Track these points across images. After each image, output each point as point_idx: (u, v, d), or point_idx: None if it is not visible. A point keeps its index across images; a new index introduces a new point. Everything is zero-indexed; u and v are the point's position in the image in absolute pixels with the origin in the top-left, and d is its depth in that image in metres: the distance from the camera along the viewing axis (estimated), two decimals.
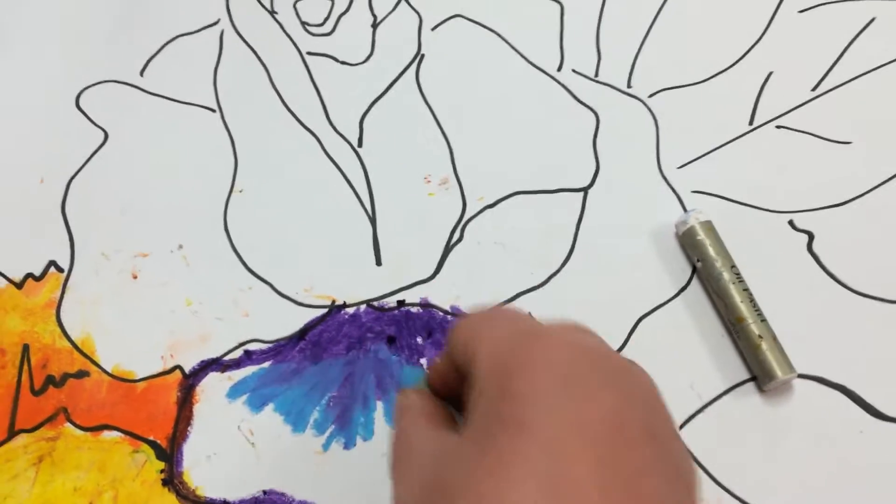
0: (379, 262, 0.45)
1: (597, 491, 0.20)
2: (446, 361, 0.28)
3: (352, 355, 0.43)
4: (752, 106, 0.48)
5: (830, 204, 0.45)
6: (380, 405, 0.42)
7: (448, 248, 0.45)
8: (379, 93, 0.51)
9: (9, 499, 0.40)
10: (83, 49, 0.54)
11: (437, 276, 0.45)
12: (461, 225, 0.46)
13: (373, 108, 0.50)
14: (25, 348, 0.44)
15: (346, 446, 0.41)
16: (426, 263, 0.45)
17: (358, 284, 0.45)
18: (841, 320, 0.42)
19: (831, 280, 0.43)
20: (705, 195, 0.46)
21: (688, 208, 0.45)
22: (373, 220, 0.47)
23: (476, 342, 0.25)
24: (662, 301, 0.43)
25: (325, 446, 0.41)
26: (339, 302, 0.44)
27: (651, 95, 0.49)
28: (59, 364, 0.44)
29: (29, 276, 0.46)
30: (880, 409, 0.40)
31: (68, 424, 0.42)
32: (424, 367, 0.42)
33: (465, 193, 0.47)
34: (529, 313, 0.27)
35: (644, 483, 0.21)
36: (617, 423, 0.22)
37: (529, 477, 0.20)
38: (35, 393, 0.43)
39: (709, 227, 0.43)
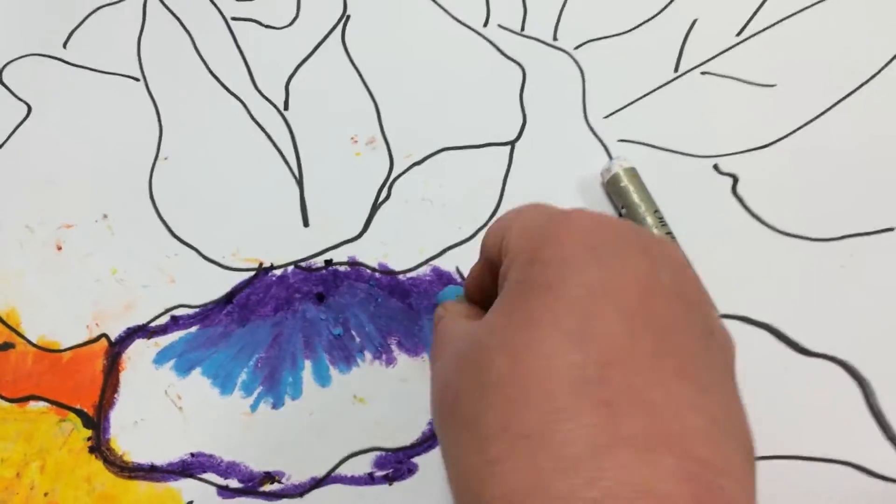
0: (306, 224, 0.45)
1: (626, 339, 0.20)
2: (481, 263, 0.28)
3: (279, 316, 0.43)
4: (677, 53, 0.48)
5: (755, 146, 0.45)
6: (308, 364, 0.41)
7: (375, 207, 0.45)
8: (304, 55, 0.50)
9: None
10: (6, 23, 0.53)
11: (365, 234, 0.45)
12: (388, 183, 0.46)
13: (299, 71, 0.50)
14: None
15: (275, 406, 0.41)
16: (354, 223, 0.45)
17: (285, 246, 0.45)
18: (765, 260, 0.42)
19: (755, 221, 0.43)
20: (631, 143, 0.46)
21: (613, 156, 0.45)
22: (300, 183, 0.46)
23: (507, 230, 0.25)
24: None
25: (253, 407, 0.41)
26: (266, 264, 0.44)
27: (577, 47, 0.49)
28: None
29: None
30: (805, 346, 0.40)
31: None
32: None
33: (393, 152, 0.47)
34: None
35: (674, 336, 0.21)
36: (645, 284, 0.22)
37: (558, 331, 0.20)
38: None
39: (632, 173, 0.43)
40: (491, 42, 0.50)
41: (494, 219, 0.27)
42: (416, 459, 0.39)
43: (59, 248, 0.45)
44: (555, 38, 0.49)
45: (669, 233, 0.41)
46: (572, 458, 0.19)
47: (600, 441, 0.19)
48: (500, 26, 0.50)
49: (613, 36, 0.49)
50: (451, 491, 0.22)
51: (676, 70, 0.47)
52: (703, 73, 0.47)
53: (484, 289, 0.28)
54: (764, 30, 0.48)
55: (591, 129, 0.46)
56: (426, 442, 0.39)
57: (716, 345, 0.23)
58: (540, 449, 0.19)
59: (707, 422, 0.20)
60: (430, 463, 0.39)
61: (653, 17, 0.49)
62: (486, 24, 0.50)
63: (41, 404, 0.42)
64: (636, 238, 0.24)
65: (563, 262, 0.22)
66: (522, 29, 0.50)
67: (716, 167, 0.44)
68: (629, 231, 0.24)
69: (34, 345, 0.43)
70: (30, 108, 0.50)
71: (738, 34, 0.48)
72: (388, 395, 0.40)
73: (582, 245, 0.22)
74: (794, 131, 0.45)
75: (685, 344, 0.21)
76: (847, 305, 0.41)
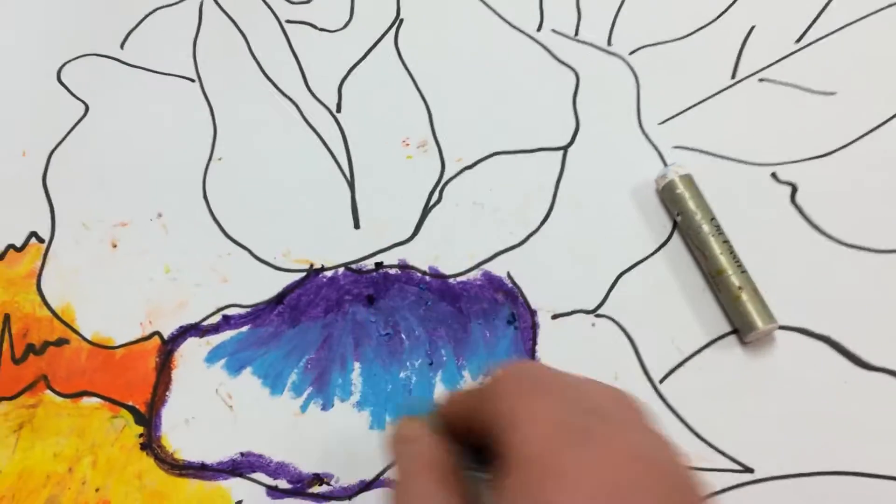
0: (357, 226, 0.45)
1: None
2: (474, 402, 0.25)
3: (329, 318, 0.43)
4: (734, 60, 0.47)
5: (814, 155, 0.44)
6: (357, 366, 0.41)
7: (426, 210, 0.45)
8: (357, 58, 0.50)
9: None
10: (64, 23, 0.54)
11: (416, 237, 0.44)
12: (440, 186, 0.46)
13: (351, 74, 0.50)
14: (6, 318, 0.44)
15: (324, 407, 0.41)
16: (404, 225, 0.45)
17: (336, 248, 0.45)
18: (825, 271, 0.41)
19: (815, 231, 0.42)
20: (687, 150, 0.45)
21: (668, 163, 0.45)
22: (351, 184, 0.46)
23: (517, 414, 0.22)
24: (643, 257, 0.43)
25: (303, 408, 0.41)
26: (317, 265, 0.44)
27: (632, 53, 0.48)
28: (40, 332, 0.44)
29: (10, 247, 0.46)
30: (865, 359, 0.39)
31: (48, 392, 0.42)
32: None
33: (444, 155, 0.47)
34: (587, 381, 0.25)
35: None
36: None
37: None
38: (15, 361, 0.43)
39: (688, 180, 0.42)
40: (544, 46, 0.49)
41: (505, 370, 0.24)
42: None
43: (115, 246, 0.46)
44: (609, 43, 0.49)
45: (727, 242, 0.41)
46: None
47: None
48: (553, 31, 0.50)
49: (669, 42, 0.48)
50: None
51: (734, 77, 0.47)
52: (760, 79, 0.46)
53: (466, 424, 0.25)
54: (823, 37, 0.47)
55: (646, 135, 0.46)
56: None
57: None
58: None
59: None
60: None
61: (709, 24, 0.49)
62: (539, 29, 0.50)
63: (94, 400, 0.42)
64: (661, 485, 0.21)
65: None
66: (576, 33, 0.49)
67: (774, 175, 0.44)
68: (654, 475, 0.21)
69: (88, 341, 0.43)
70: (87, 108, 0.50)
71: (798, 41, 0.47)
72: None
73: (595, 494, 0.20)
74: (855, 140, 0.44)
75: None
76: None
